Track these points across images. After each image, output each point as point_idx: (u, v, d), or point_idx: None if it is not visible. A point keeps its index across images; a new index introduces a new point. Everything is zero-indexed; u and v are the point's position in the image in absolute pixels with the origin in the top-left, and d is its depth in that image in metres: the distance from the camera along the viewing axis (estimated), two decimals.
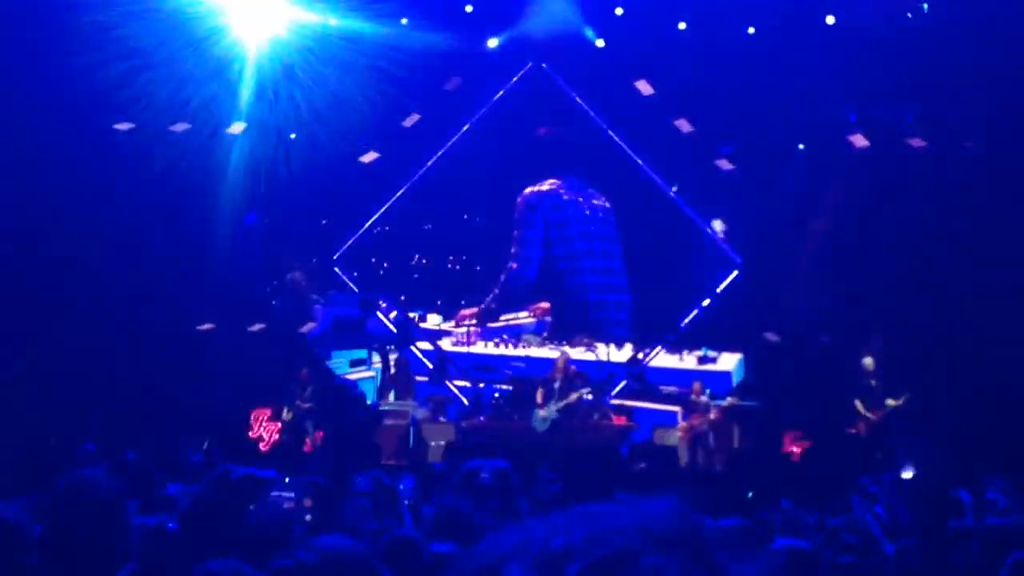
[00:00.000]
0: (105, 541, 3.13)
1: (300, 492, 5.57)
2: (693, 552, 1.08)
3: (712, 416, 15.54)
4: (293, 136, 16.82)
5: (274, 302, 17.09)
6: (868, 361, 15.71)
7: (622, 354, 16.83)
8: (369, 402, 14.58)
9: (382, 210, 17.78)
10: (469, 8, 17.15)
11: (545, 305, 17.56)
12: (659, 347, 17.08)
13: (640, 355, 16.74)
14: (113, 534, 3.17)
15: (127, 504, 3.34)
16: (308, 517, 3.85)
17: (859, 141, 16.15)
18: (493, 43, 17.36)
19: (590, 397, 15.58)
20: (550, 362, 15.77)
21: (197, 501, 3.10)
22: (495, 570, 1.08)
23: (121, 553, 3.13)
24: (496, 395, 16.24)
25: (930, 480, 12.49)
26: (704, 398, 15.72)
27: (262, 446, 14.88)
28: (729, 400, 15.55)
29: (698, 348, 16.96)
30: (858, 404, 15.38)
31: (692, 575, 1.07)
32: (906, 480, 13.53)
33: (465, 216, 18.05)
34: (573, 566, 1.05)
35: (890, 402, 15.18)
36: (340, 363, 16.91)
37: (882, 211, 16.25)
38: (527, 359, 16.74)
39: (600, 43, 17.26)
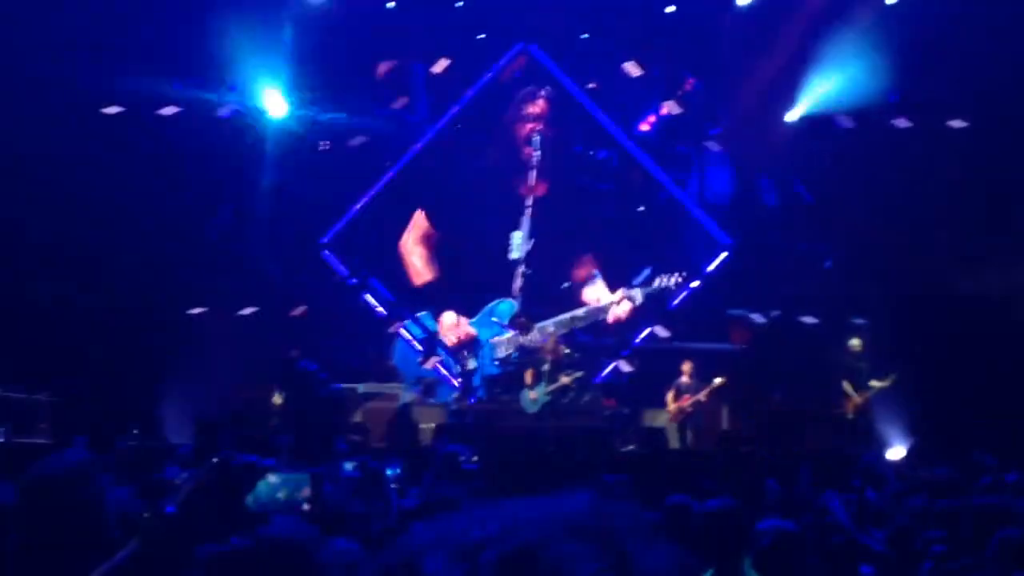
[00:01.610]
0: (77, 520, 3.11)
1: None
2: (604, 541, 1.13)
3: (702, 397, 15.58)
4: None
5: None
6: (855, 342, 15.77)
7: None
8: (333, 386, 14.41)
9: (370, 194, 17.72)
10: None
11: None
12: (649, 328, 17.07)
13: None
14: (86, 509, 3.15)
15: (99, 478, 3.30)
16: (306, 506, 3.81)
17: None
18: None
19: (579, 377, 15.57)
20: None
21: (197, 487, 3.07)
22: (414, 561, 1.11)
23: (96, 530, 3.10)
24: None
25: (919, 459, 12.52)
26: (694, 379, 15.77)
27: None
28: (718, 381, 15.57)
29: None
30: (846, 385, 15.43)
31: (601, 563, 1.11)
32: (893, 460, 13.57)
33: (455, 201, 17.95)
34: (487, 555, 1.09)
35: (876, 383, 15.22)
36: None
37: (869, 190, 16.28)
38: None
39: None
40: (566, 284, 15.91)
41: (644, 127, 17.44)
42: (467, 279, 16.48)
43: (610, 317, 15.56)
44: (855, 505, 6.97)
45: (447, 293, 16.64)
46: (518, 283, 15.61)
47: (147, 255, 15.74)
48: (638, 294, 15.25)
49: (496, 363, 15.76)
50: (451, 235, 16.78)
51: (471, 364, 15.88)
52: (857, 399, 15.27)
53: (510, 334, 15.69)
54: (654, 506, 5.67)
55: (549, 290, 16.02)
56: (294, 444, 12.14)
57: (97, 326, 15.21)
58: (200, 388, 14.99)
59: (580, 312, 15.60)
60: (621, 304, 15.35)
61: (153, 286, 15.85)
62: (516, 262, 15.68)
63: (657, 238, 17.34)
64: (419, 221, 16.70)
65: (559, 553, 1.09)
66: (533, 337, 15.47)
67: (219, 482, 2.84)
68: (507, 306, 15.82)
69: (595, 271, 16.53)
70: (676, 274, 15.14)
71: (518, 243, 15.62)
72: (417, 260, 16.87)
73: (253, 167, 16.91)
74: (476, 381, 16.18)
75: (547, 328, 15.52)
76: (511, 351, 15.70)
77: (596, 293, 16.15)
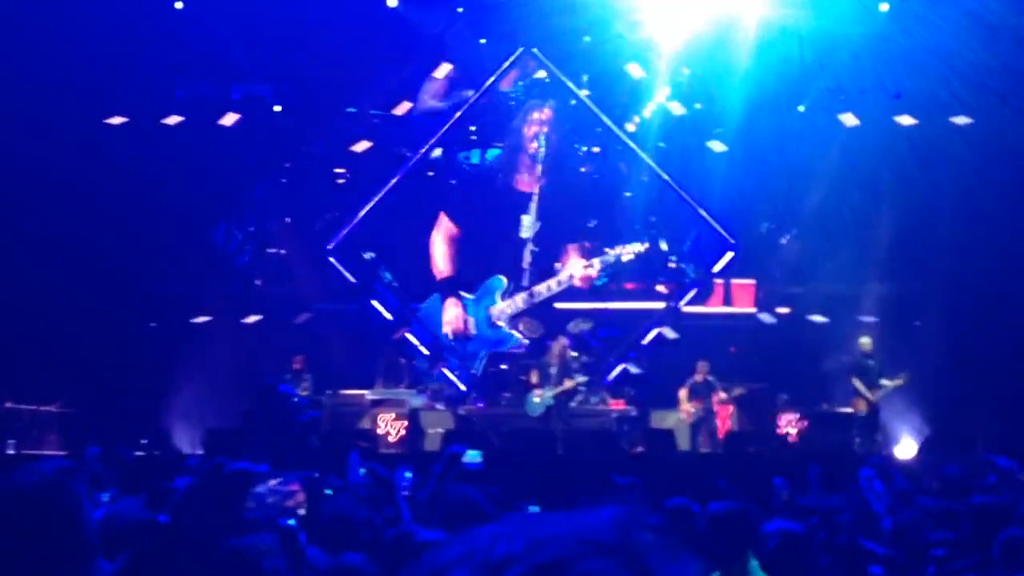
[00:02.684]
0: (53, 532, 3.05)
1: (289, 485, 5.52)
2: (627, 558, 1.14)
3: (715, 401, 15.56)
4: None
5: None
6: (865, 340, 15.75)
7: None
8: (296, 399, 14.42)
9: (375, 199, 17.75)
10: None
11: None
12: (657, 330, 17.08)
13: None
14: (62, 520, 3.08)
15: (75, 487, 3.22)
16: (302, 511, 3.83)
17: (849, 120, 16.29)
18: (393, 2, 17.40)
19: (584, 383, 15.59)
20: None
21: (190, 494, 3.09)
22: None
23: (74, 541, 3.02)
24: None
25: (929, 457, 12.52)
26: (710, 378, 15.73)
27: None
28: (737, 390, 15.57)
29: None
30: (857, 383, 15.38)
31: None
32: (905, 458, 13.57)
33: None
34: (513, 572, 1.10)
35: (887, 382, 15.19)
36: None
37: (878, 187, 16.30)
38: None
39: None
40: (557, 264, 16.25)
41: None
42: (481, 261, 16.80)
43: (577, 282, 15.77)
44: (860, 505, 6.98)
45: (462, 278, 16.92)
46: (527, 259, 16.13)
47: (154, 264, 15.78)
48: (597, 262, 15.57)
49: (492, 328, 16.03)
50: (467, 224, 17.01)
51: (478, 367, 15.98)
52: (870, 396, 15.21)
53: (503, 303, 16.00)
54: (661, 508, 5.69)
55: (551, 266, 16.45)
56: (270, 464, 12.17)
57: (104, 337, 15.24)
58: (208, 398, 15.07)
59: (553, 282, 15.86)
60: (588, 268, 15.63)
61: (160, 295, 15.90)
62: (525, 241, 16.18)
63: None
64: (445, 221, 17.05)
65: (583, 570, 1.10)
66: (516, 303, 15.81)
67: (213, 489, 2.85)
68: (498, 281, 16.15)
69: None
70: (638, 243, 15.44)
71: (528, 224, 16.16)
72: (439, 256, 17.19)
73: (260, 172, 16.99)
74: (479, 358, 16.19)
75: (525, 298, 15.84)
76: (503, 319, 15.97)
77: (571, 267, 16.47)
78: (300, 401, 14.02)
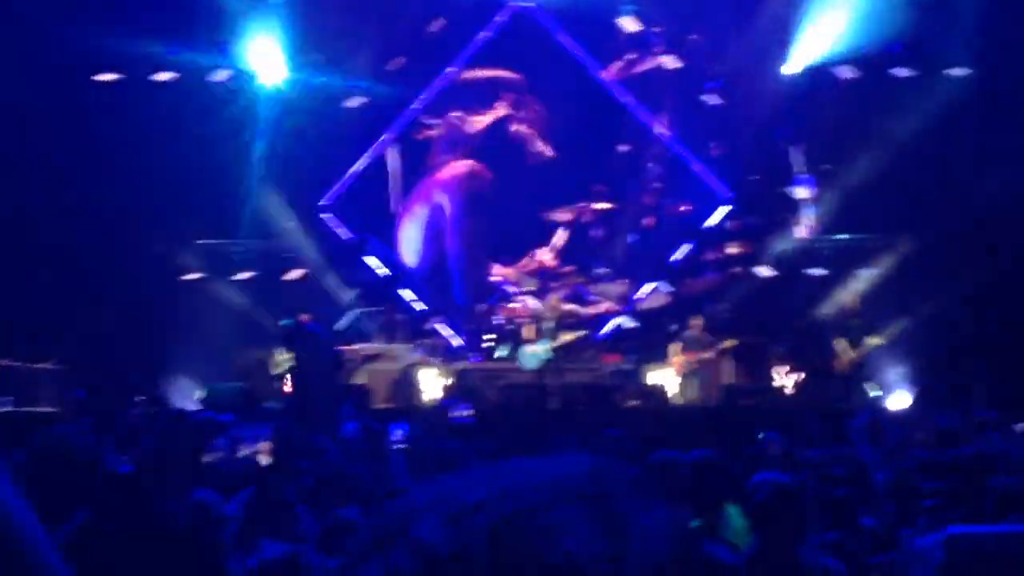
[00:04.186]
0: (82, 498, 3.11)
1: (257, 437, 5.51)
2: (600, 505, 1.14)
3: (708, 354, 15.54)
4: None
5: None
6: (852, 299, 15.67)
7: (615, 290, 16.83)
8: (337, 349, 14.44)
9: (367, 155, 17.69)
10: None
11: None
12: (650, 284, 17.10)
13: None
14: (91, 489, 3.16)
15: (104, 460, 3.32)
16: (265, 461, 3.84)
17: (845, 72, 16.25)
18: None
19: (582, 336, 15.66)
20: None
21: (153, 444, 3.07)
22: (408, 524, 1.12)
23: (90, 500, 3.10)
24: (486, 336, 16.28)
25: (922, 409, 12.57)
26: (705, 334, 15.71)
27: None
28: (728, 343, 15.52)
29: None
30: (838, 342, 15.17)
31: (596, 526, 1.12)
32: (898, 409, 13.61)
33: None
34: (482, 519, 1.10)
35: (870, 341, 15.05)
36: None
37: (871, 142, 16.24)
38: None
39: None
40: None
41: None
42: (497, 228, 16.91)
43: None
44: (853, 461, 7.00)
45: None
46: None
47: (148, 220, 15.75)
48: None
49: None
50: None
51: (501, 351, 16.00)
52: (852, 354, 15.05)
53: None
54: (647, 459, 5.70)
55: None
56: (298, 405, 12.24)
57: (97, 295, 15.24)
58: (203, 352, 15.10)
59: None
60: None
61: (154, 252, 15.89)
62: None
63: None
64: (414, 205, 17.07)
65: (553, 517, 1.11)
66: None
67: (176, 439, 2.84)
68: None
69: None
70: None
71: None
72: (407, 244, 17.33)
73: (248, 132, 16.88)
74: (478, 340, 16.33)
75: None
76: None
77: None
78: (327, 338, 14.03)
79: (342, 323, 15.68)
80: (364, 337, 15.93)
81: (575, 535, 1.10)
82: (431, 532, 1.11)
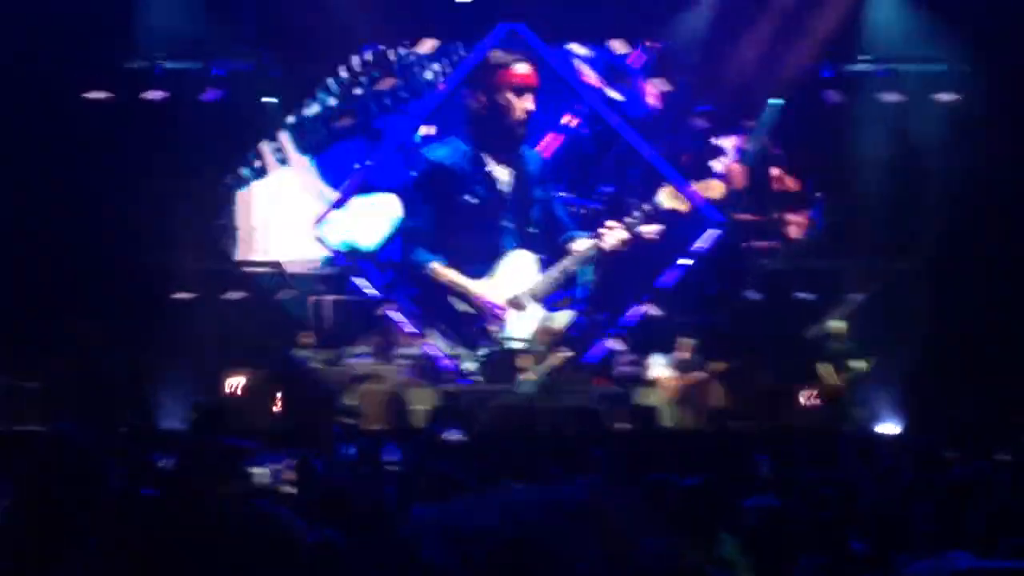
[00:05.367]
0: (82, 495, 3.08)
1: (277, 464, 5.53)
2: (603, 530, 1.16)
3: (699, 377, 15.55)
4: None
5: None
6: (838, 324, 15.59)
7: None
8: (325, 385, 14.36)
9: (359, 171, 17.66)
10: None
11: None
12: (635, 307, 17.09)
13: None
14: (90, 489, 3.12)
15: (103, 457, 3.27)
16: (289, 489, 3.83)
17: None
18: None
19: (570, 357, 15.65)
20: None
21: (178, 469, 3.07)
22: (412, 546, 1.14)
23: (98, 510, 3.07)
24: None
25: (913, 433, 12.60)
26: (695, 356, 15.71)
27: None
28: (719, 366, 15.52)
29: None
30: (822, 369, 15.03)
31: (599, 551, 1.14)
32: (887, 432, 13.64)
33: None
34: (486, 544, 1.11)
35: (855, 365, 14.99)
36: None
37: (863, 164, 16.33)
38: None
39: None
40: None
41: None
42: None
43: (605, 245, 15.63)
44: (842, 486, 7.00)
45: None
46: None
47: (136, 234, 15.70)
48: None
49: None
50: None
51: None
52: (834, 382, 14.95)
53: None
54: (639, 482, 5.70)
55: None
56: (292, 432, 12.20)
57: (85, 311, 15.20)
58: (190, 372, 15.05)
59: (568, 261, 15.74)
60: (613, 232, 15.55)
61: (142, 268, 15.85)
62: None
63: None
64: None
65: (557, 542, 1.12)
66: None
67: (199, 465, 2.83)
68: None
69: None
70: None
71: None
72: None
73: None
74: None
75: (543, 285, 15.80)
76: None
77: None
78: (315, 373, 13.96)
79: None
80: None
81: (579, 559, 1.11)
82: (439, 556, 1.11)
